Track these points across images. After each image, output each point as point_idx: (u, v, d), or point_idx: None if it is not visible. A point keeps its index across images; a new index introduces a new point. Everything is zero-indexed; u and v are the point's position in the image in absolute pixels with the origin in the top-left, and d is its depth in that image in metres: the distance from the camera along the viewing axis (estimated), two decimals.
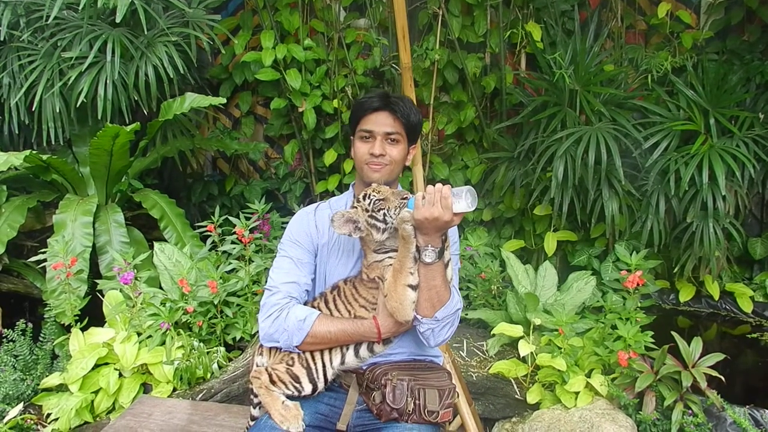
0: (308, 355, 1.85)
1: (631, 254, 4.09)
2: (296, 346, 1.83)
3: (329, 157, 4.69)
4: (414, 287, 1.74)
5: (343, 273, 1.98)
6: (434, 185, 1.69)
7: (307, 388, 1.84)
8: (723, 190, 3.59)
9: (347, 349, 1.87)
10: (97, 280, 3.35)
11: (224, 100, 3.81)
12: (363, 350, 1.87)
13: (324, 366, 1.85)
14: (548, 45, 4.27)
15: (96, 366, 2.84)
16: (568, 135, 3.86)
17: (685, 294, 4.21)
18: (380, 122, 1.98)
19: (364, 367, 1.91)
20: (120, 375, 2.85)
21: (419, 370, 1.90)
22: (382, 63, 4.50)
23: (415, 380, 1.83)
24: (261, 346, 1.93)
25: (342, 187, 4.75)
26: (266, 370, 1.84)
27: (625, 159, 3.83)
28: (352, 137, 2.08)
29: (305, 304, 1.93)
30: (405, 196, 1.78)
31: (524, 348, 2.77)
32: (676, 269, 4.06)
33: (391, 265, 1.78)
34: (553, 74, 4.01)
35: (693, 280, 4.23)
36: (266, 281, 1.99)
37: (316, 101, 4.56)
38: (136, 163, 4.17)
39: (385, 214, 1.77)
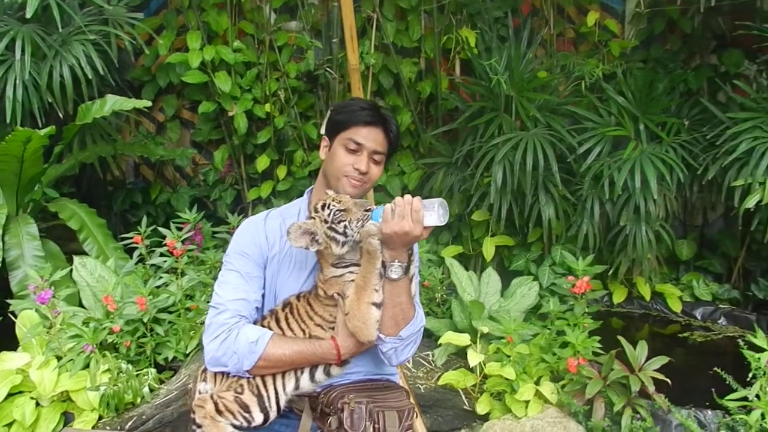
0: (259, 380, 1.69)
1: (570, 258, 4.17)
2: (247, 371, 1.67)
3: (262, 162, 4.52)
4: (378, 305, 1.63)
5: (294, 287, 1.83)
6: (405, 197, 1.58)
7: (258, 418, 1.68)
8: (655, 194, 3.68)
9: (302, 372, 1.72)
10: (8, 300, 3.02)
11: (149, 103, 3.58)
12: (319, 373, 1.73)
13: (276, 392, 1.69)
14: (483, 51, 4.27)
15: (9, 395, 2.56)
16: (505, 140, 3.86)
17: (618, 296, 4.30)
18: (372, 138, 1.84)
19: (318, 390, 1.78)
20: (37, 404, 2.58)
21: (377, 391, 1.79)
22: (316, 66, 4.38)
23: (373, 402, 1.71)
24: (204, 370, 1.75)
25: (276, 194, 4.59)
26: (211, 398, 1.67)
27: (560, 164, 3.87)
28: (326, 138, 1.92)
29: (254, 323, 1.77)
30: (368, 207, 1.67)
31: (473, 358, 2.71)
32: (610, 271, 4.14)
33: (352, 281, 1.66)
34: (489, 80, 4.01)
35: (625, 282, 4.33)
36: (210, 297, 1.82)
37: (247, 105, 4.39)
38: (51, 170, 3.85)
39: (346, 227, 1.65)
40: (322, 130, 2.02)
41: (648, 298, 4.24)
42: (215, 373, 1.73)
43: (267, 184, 4.59)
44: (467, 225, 4.47)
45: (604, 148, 3.97)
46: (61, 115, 3.63)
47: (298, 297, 1.79)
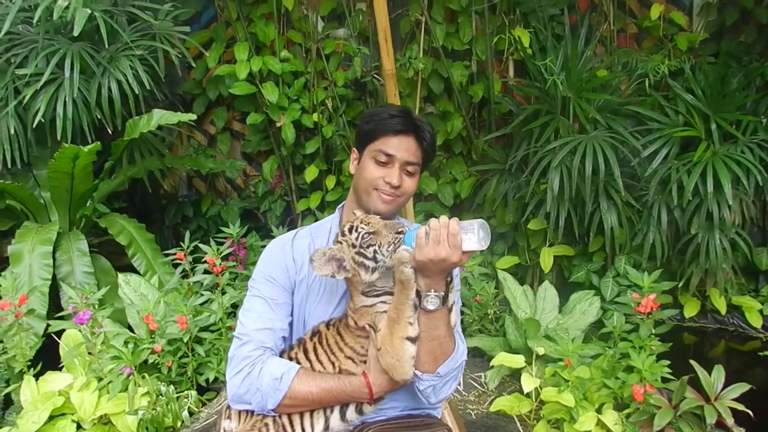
0: (285, 420, 1.57)
1: (635, 269, 3.89)
2: (271, 410, 1.54)
3: (310, 173, 4.44)
4: (413, 339, 1.48)
5: (324, 314, 1.70)
6: (438, 218, 1.42)
7: None
8: (730, 199, 3.38)
9: (331, 411, 1.58)
10: (50, 321, 3.01)
11: (194, 116, 3.54)
12: (350, 412, 1.59)
13: None
14: (537, 51, 4.06)
15: (51, 417, 2.54)
16: (562, 145, 3.64)
17: (690, 309, 3.99)
18: (403, 148, 1.70)
19: (351, 429, 1.63)
20: (79, 427, 2.55)
21: (415, 429, 1.63)
22: (363, 74, 4.27)
23: None
24: (229, 407, 1.64)
25: (325, 205, 4.50)
26: None
27: (623, 168, 3.61)
28: (356, 151, 1.79)
29: (281, 354, 1.65)
30: (400, 229, 1.51)
31: (528, 383, 2.51)
32: (680, 284, 3.83)
33: (384, 312, 1.51)
34: (544, 81, 3.79)
35: (698, 294, 4.01)
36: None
37: (294, 115, 4.31)
38: (102, 185, 3.88)
39: (375, 252, 1.50)
40: None
41: (723, 311, 3.91)
42: (240, 411, 1.61)
43: (316, 195, 4.50)
44: (523, 234, 4.25)
45: (672, 150, 3.69)
46: (110, 131, 3.64)
47: (327, 325, 1.65)
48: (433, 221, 1.42)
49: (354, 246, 1.52)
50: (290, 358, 1.61)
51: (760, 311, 3.89)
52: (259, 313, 1.65)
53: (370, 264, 1.50)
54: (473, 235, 1.40)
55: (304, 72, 4.38)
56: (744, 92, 3.81)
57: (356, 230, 1.53)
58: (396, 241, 1.48)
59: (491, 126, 4.37)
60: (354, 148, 1.81)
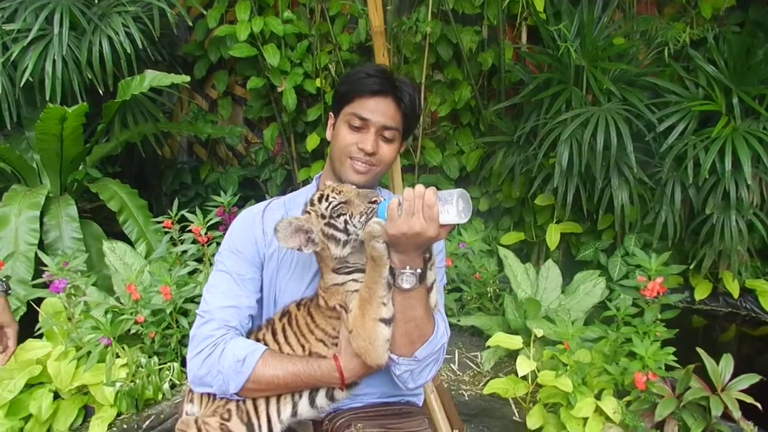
0: (250, 405, 1.45)
1: (642, 249, 3.73)
2: (234, 393, 1.43)
3: (312, 141, 4.29)
4: (388, 321, 1.35)
5: (296, 291, 1.57)
6: (413, 187, 1.28)
7: None
8: (749, 178, 3.19)
9: (300, 396, 1.47)
10: (27, 289, 2.91)
11: (188, 78, 3.39)
12: (320, 398, 1.47)
13: (269, 420, 1.44)
14: (551, 16, 3.83)
15: (29, 386, 2.46)
16: (573, 117, 3.45)
17: (701, 292, 3.83)
18: (380, 110, 1.55)
19: (322, 416, 1.52)
20: (56, 396, 2.48)
21: (392, 418, 1.52)
22: (368, 37, 4.07)
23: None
24: (191, 390, 1.52)
25: None
26: (195, 422, 1.44)
27: (636, 143, 3.43)
28: (332, 116, 1.66)
29: (248, 334, 1.53)
30: (374, 199, 1.37)
31: (524, 366, 2.37)
32: (692, 265, 3.67)
33: (356, 291, 1.38)
34: (557, 48, 3.59)
35: (710, 277, 3.84)
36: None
37: (297, 80, 4.15)
38: (95, 149, 3.76)
39: (347, 222, 1.36)
40: None
41: (736, 295, 3.75)
42: (202, 394, 1.50)
43: (317, 164, 4.36)
44: (530, 210, 4.09)
45: (689, 125, 3.49)
46: (101, 92, 3.51)
47: (298, 305, 1.52)
48: (407, 191, 1.27)
49: (323, 216, 1.38)
50: (257, 340, 1.49)
51: None
52: (223, 289, 1.52)
53: (341, 236, 1.37)
54: (452, 207, 1.25)
55: (308, 34, 4.21)
56: None
57: (326, 199, 1.39)
58: (369, 212, 1.35)
59: (500, 96, 4.17)
60: (330, 113, 1.67)
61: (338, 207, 1.37)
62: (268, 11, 4.25)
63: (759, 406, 2.18)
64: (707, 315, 3.84)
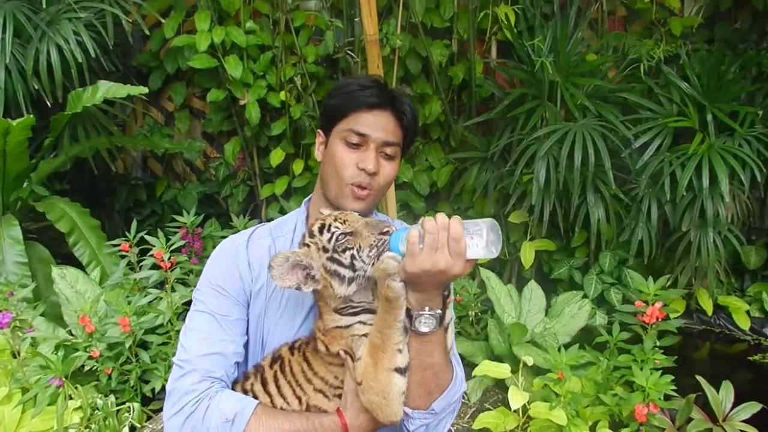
0: None
1: (617, 266, 3.68)
2: None
3: (276, 157, 4.10)
4: (403, 370, 1.18)
5: (287, 332, 1.38)
6: (435, 217, 1.11)
7: None
8: (726, 195, 3.16)
9: None
10: None
11: (145, 90, 3.16)
12: None
13: None
14: (523, 31, 3.76)
15: None
16: (549, 133, 3.37)
17: (676, 307, 3.78)
18: (379, 125, 1.39)
19: None
20: None
21: None
22: (335, 49, 3.92)
23: None
24: None
25: (291, 191, 4.16)
26: None
27: (612, 160, 3.36)
28: (320, 134, 1.49)
29: (234, 384, 1.33)
30: (385, 229, 1.19)
31: (516, 399, 2.23)
32: (667, 283, 3.62)
33: (364, 336, 1.20)
34: (531, 63, 3.52)
35: (683, 294, 3.81)
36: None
37: (260, 93, 3.96)
38: (43, 165, 3.49)
39: (353, 257, 1.19)
40: None
41: (710, 312, 3.72)
42: None
43: (282, 180, 4.16)
44: (503, 227, 3.99)
45: (664, 142, 3.45)
46: (48, 104, 3.24)
47: (291, 349, 1.33)
48: (428, 222, 1.10)
49: (326, 250, 1.20)
50: (245, 391, 1.29)
51: (747, 312, 3.70)
52: (205, 333, 1.32)
53: (346, 273, 1.19)
54: (480, 240, 1.09)
55: (272, 46, 4.02)
56: (740, 82, 3.59)
57: (329, 230, 1.21)
58: (380, 245, 1.17)
59: (471, 110, 4.08)
60: (319, 131, 1.50)
61: (343, 239, 1.19)
62: (228, 21, 4.05)
63: None
64: (682, 333, 3.78)
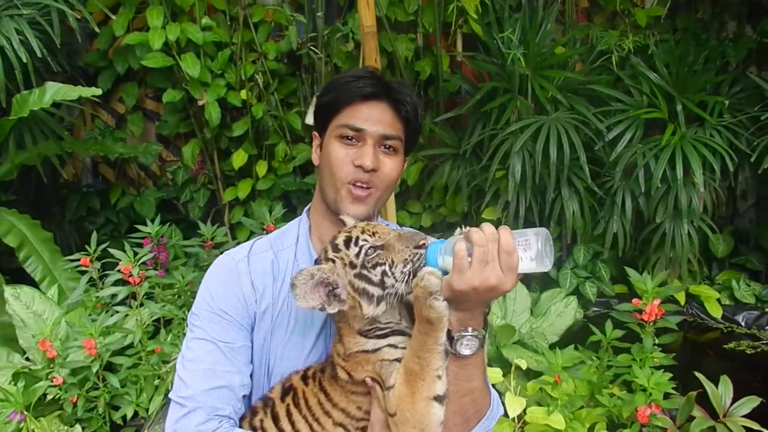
0: None
1: (591, 259, 3.65)
2: None
3: (239, 158, 3.92)
4: (442, 398, 1.06)
5: (296, 358, 1.25)
6: (482, 228, 1.00)
7: None
8: (701, 186, 3.17)
9: None
10: None
11: (99, 92, 2.95)
12: None
13: None
14: (494, 22, 3.68)
15: None
16: (523, 127, 3.31)
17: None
18: (375, 117, 1.26)
19: None
20: None
21: None
22: (298, 45, 3.77)
23: None
24: None
25: (255, 194, 3.99)
26: None
27: (585, 153, 3.33)
28: (316, 136, 1.37)
29: (240, 422, 1.18)
30: (421, 242, 1.07)
31: (514, 405, 2.13)
32: (642, 273, 3.62)
33: (396, 361, 1.08)
34: (501, 56, 3.45)
35: None
36: (181, 335, 1.21)
37: (219, 92, 3.78)
38: None
39: (384, 274, 1.07)
40: (308, 120, 1.43)
41: (683, 302, 3.73)
42: None
43: (245, 183, 3.99)
44: (475, 224, 3.91)
45: (636, 133, 3.43)
46: None
47: (304, 377, 1.18)
48: (475, 233, 0.99)
49: (353, 265, 1.08)
50: (253, 429, 1.15)
51: (718, 300, 3.74)
52: (208, 364, 1.17)
53: (375, 291, 1.06)
54: (530, 251, 0.99)
55: (230, 43, 3.84)
56: (706, 73, 3.61)
57: (356, 243, 1.09)
58: (415, 260, 1.05)
59: (439, 106, 3.99)
60: (314, 133, 1.37)
61: (373, 253, 1.07)
62: (182, 17, 3.84)
63: None
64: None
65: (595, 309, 3.75)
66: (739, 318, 3.65)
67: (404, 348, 1.07)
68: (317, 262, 1.15)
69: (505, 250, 0.97)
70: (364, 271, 1.07)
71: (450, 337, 1.05)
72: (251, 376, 1.23)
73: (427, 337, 1.02)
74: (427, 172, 4.00)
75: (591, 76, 3.65)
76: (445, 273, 1.02)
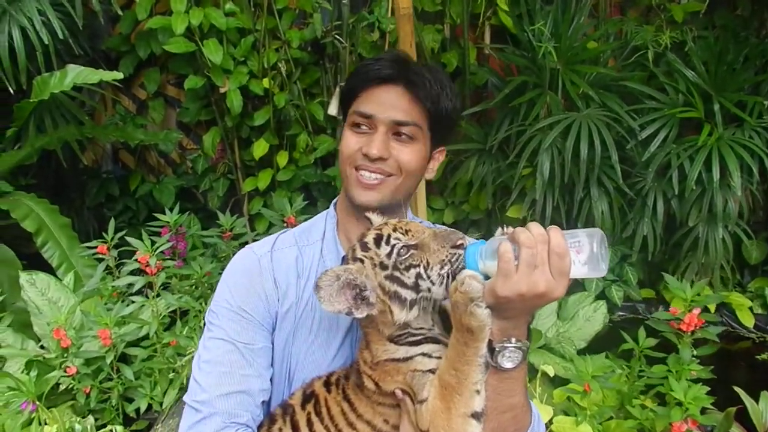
0: None
1: (619, 262, 3.54)
2: None
3: (259, 148, 3.85)
4: (480, 415, 0.97)
5: (320, 363, 1.17)
6: (529, 228, 0.92)
7: None
8: (738, 189, 3.04)
9: None
10: None
11: (120, 75, 2.91)
12: None
13: None
14: (525, 14, 3.56)
15: None
16: (553, 123, 3.20)
17: (677, 306, 3.65)
18: (387, 102, 1.18)
19: None
20: None
21: None
22: (323, 33, 3.69)
23: None
24: None
25: (276, 185, 3.92)
26: None
27: (617, 152, 3.22)
28: (342, 122, 1.30)
29: (258, 430, 1.11)
30: (459, 242, 0.98)
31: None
32: (665, 275, 3.51)
33: (429, 372, 0.99)
34: (532, 49, 3.34)
35: None
36: (200, 330, 1.15)
37: (241, 80, 3.70)
38: (5, 157, 3.18)
39: (419, 276, 0.98)
40: (331, 111, 1.37)
41: (713, 309, 3.59)
42: None
43: (265, 173, 3.92)
44: (498, 222, 3.83)
45: (671, 133, 3.31)
46: (11, 91, 2.94)
47: (327, 384, 1.11)
48: (523, 233, 0.90)
49: (384, 266, 0.99)
50: None
51: (750, 308, 3.60)
52: (225, 366, 1.09)
53: (408, 295, 0.98)
54: (583, 254, 0.90)
55: (253, 29, 3.76)
56: (746, 71, 3.46)
57: (387, 242, 1.00)
58: (454, 261, 0.96)
59: (465, 99, 3.88)
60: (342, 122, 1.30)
61: (406, 253, 0.98)
62: (205, 2, 3.77)
63: None
64: None
65: (621, 313, 3.65)
66: None
67: (439, 358, 0.99)
68: (344, 261, 1.07)
69: (556, 252, 0.89)
70: (396, 273, 0.99)
71: (491, 348, 0.96)
72: (271, 380, 1.16)
73: (466, 347, 0.93)
74: (451, 167, 3.90)
75: (624, 72, 3.52)
76: (486, 277, 0.94)
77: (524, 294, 0.90)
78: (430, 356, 1.00)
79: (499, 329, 0.96)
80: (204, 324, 1.18)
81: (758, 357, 3.30)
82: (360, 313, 0.99)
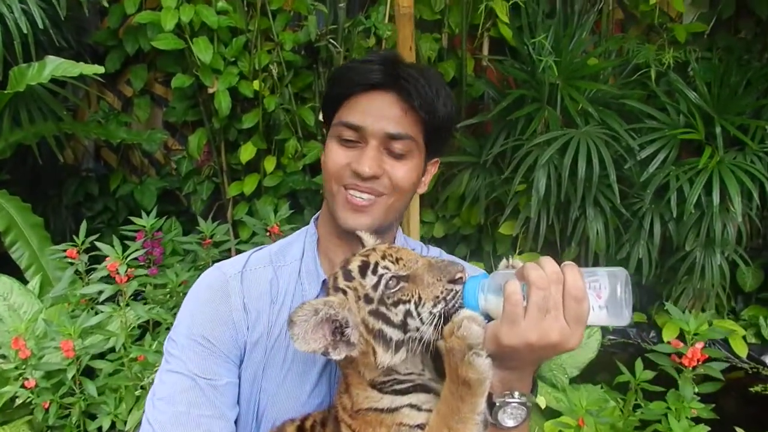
0: None
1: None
2: None
3: (246, 152, 3.73)
4: None
5: (292, 402, 1.03)
6: (541, 264, 0.79)
7: None
8: (739, 215, 2.95)
9: None
10: None
11: (102, 69, 2.77)
12: None
13: None
14: (526, 27, 3.47)
15: None
16: (550, 139, 3.10)
17: (670, 332, 3.56)
18: (378, 112, 1.06)
19: None
20: None
21: None
22: (317, 37, 3.58)
23: None
24: None
25: (262, 191, 3.79)
26: None
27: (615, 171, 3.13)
28: (323, 130, 1.17)
29: None
30: (457, 275, 0.85)
31: None
32: (666, 304, 3.41)
33: (418, 428, 0.86)
34: (532, 63, 3.24)
35: None
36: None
37: (231, 81, 3.59)
38: None
39: (408, 313, 0.85)
40: (321, 116, 1.24)
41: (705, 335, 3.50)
42: None
43: (251, 178, 3.80)
44: (490, 238, 3.73)
45: (671, 154, 3.22)
46: None
47: (301, 429, 0.97)
48: (533, 270, 0.77)
49: (369, 300, 0.86)
50: None
51: (744, 338, 3.51)
52: (182, 405, 0.96)
53: (395, 335, 0.85)
54: (603, 297, 0.77)
55: (245, 30, 3.65)
56: (749, 95, 3.38)
57: (375, 271, 0.87)
58: (449, 298, 0.84)
59: (460, 111, 3.78)
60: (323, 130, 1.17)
61: (395, 286, 0.85)
62: None
63: None
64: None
65: (612, 337, 3.56)
66: (766, 359, 3.42)
67: (429, 410, 0.86)
68: (324, 286, 0.94)
69: (573, 295, 0.76)
70: (383, 308, 0.85)
71: (490, 403, 0.84)
72: (236, 421, 1.02)
73: (461, 402, 0.80)
74: (443, 180, 3.79)
75: (625, 91, 3.44)
76: (488, 318, 0.81)
77: (533, 343, 0.77)
78: (419, 408, 0.87)
79: (500, 381, 0.84)
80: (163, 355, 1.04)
81: (751, 389, 3.19)
82: (337, 354, 0.86)
